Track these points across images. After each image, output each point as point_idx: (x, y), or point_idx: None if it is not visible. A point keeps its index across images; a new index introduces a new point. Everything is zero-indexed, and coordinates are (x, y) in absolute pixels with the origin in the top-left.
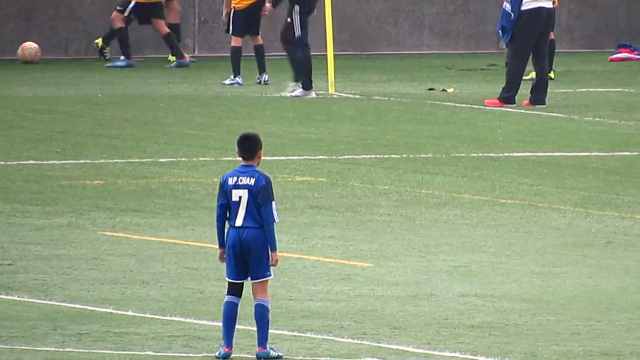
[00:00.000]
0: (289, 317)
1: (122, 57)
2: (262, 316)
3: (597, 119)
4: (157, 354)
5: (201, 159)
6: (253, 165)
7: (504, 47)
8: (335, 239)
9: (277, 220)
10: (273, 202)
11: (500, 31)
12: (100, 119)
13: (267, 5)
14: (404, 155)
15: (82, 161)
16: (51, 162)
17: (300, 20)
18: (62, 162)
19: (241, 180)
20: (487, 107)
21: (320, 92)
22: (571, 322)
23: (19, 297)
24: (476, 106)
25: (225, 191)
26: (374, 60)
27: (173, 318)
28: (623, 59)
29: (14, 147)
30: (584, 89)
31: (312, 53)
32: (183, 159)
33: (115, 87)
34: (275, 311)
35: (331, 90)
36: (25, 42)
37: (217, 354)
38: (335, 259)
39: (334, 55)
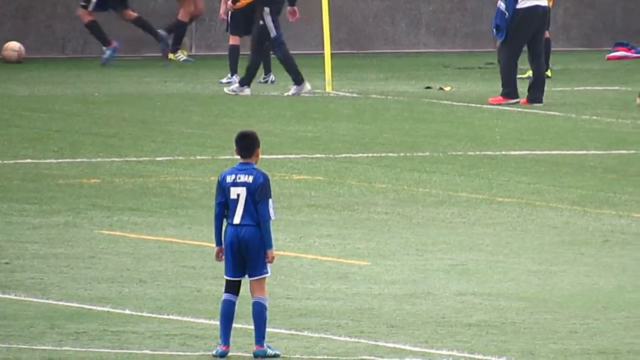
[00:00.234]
0: (286, 316)
1: (104, 49)
2: (259, 314)
3: (594, 117)
4: (154, 352)
5: (198, 157)
6: (251, 163)
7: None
8: (332, 238)
9: (273, 218)
10: (270, 200)
11: (494, 29)
12: (97, 118)
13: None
14: (401, 154)
15: (79, 160)
16: (48, 160)
17: (272, 21)
18: (59, 160)
19: (239, 178)
20: (485, 106)
21: (318, 90)
22: (568, 321)
23: (16, 295)
24: (473, 104)
25: (223, 189)
26: (371, 59)
27: (170, 317)
28: (620, 57)
29: (11, 146)
30: (581, 88)
31: (309, 52)
32: (180, 158)
33: (112, 85)
34: (272, 309)
35: (328, 88)
36: (8, 42)
37: (214, 352)
38: (332, 258)
39: (331, 53)
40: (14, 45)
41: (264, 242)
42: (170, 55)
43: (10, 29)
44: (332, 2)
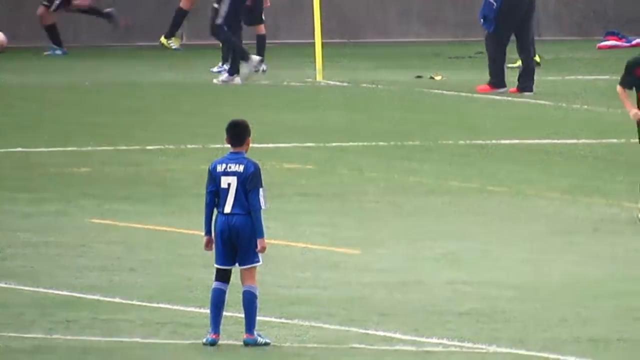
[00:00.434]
0: (276, 304)
1: (55, 47)
2: (250, 303)
3: (585, 106)
4: (144, 340)
5: (189, 146)
6: (242, 152)
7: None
8: (323, 226)
9: (264, 207)
10: (261, 189)
11: (481, 20)
12: (88, 107)
13: None
14: (392, 143)
15: (70, 149)
16: (39, 149)
17: (227, 10)
18: (50, 149)
19: (230, 167)
20: (475, 95)
21: (309, 79)
22: (559, 309)
23: (6, 284)
24: (464, 93)
25: (214, 178)
26: (362, 48)
27: (160, 305)
28: (611, 46)
29: (1, 135)
30: (572, 77)
31: (299, 41)
32: (171, 147)
33: (103, 75)
34: (263, 298)
35: (319, 77)
36: None
37: (204, 340)
38: (323, 246)
39: (322, 43)
40: None
41: (254, 231)
42: (163, 41)
43: (3, 19)
44: None
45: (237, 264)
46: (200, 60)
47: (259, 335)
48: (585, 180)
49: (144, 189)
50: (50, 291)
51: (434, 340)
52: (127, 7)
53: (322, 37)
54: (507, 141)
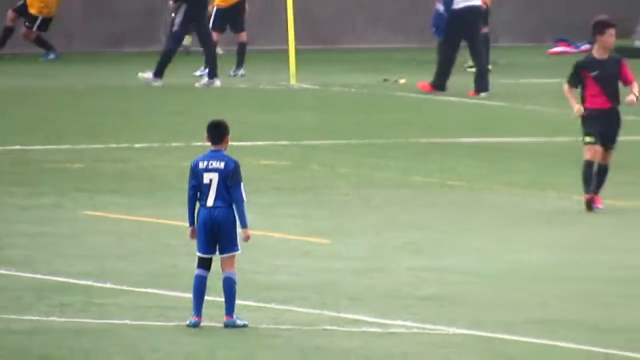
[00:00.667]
0: (254, 289)
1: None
2: (229, 288)
3: (538, 107)
4: (133, 323)
5: (173, 144)
6: (221, 150)
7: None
8: (297, 218)
9: (245, 200)
10: (242, 184)
11: (434, 29)
12: (80, 109)
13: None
14: (360, 141)
15: (64, 146)
16: (36, 147)
17: (182, 19)
18: (46, 147)
19: (211, 164)
20: (436, 97)
21: (283, 82)
22: (512, 293)
23: (6, 270)
24: (427, 96)
25: (196, 174)
26: (333, 54)
27: (148, 290)
28: (561, 52)
29: (0, 134)
30: (526, 80)
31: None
32: (156, 145)
33: (94, 78)
34: (241, 284)
35: (293, 81)
36: None
37: (188, 322)
38: (296, 236)
39: (296, 49)
40: None
41: (235, 222)
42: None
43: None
44: (297, 1)
45: (217, 253)
46: (183, 65)
47: (238, 318)
48: (538, 175)
49: (132, 183)
50: (46, 277)
51: (399, 322)
52: (119, 16)
53: (296, 43)
54: (466, 139)
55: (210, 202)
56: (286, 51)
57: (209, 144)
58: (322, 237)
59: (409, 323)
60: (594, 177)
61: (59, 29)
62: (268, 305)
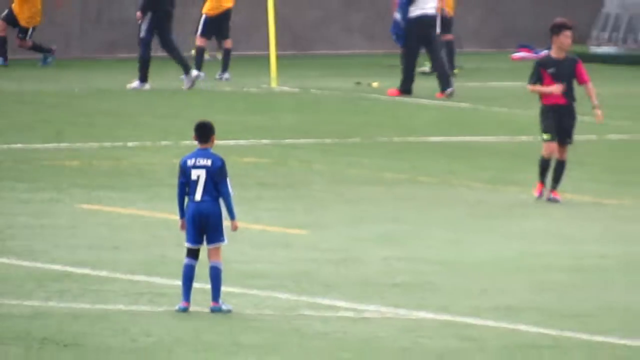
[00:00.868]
0: (238, 277)
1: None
2: (215, 276)
3: (502, 108)
4: (126, 307)
5: (163, 143)
6: (208, 149)
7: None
8: (277, 211)
9: (232, 194)
10: (228, 179)
11: (394, 37)
12: (77, 110)
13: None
14: (336, 140)
15: (62, 145)
16: (35, 145)
17: (148, 25)
18: (45, 145)
19: (199, 162)
20: (406, 99)
21: (264, 85)
22: (479, 281)
23: (8, 260)
24: (397, 98)
25: (184, 171)
26: (311, 59)
27: (140, 278)
28: (523, 57)
29: (3, 133)
30: (490, 84)
31: (257, 53)
32: (148, 143)
33: (90, 82)
34: (226, 272)
35: (274, 84)
36: None
37: (177, 308)
38: (277, 228)
39: (277, 55)
40: None
41: (221, 215)
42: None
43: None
44: (278, 11)
45: (205, 243)
46: (171, 70)
47: (223, 304)
48: (502, 172)
49: (126, 179)
50: (45, 266)
51: (372, 307)
52: (112, 25)
53: (277, 50)
54: (435, 138)
55: (198, 196)
56: (267, 57)
57: (196, 142)
58: (300, 229)
59: (381, 308)
60: (553, 172)
61: (58, 35)
62: (251, 292)
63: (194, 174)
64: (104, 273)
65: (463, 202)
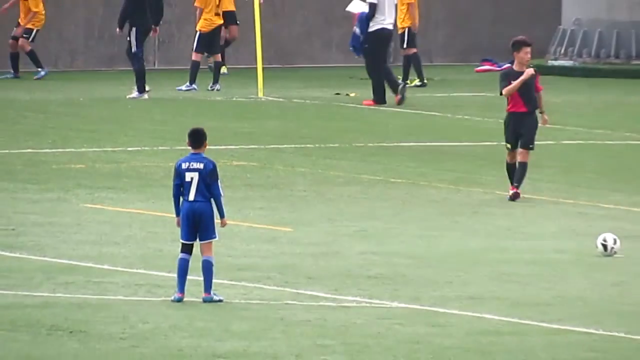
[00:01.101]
0: (228, 270)
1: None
2: (207, 269)
3: (467, 116)
4: (126, 298)
5: (160, 147)
6: (201, 153)
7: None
8: (264, 210)
9: (222, 195)
10: (219, 181)
11: (351, 48)
12: (82, 117)
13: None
14: (317, 145)
15: (68, 150)
16: (44, 150)
17: (136, 39)
18: (53, 150)
19: (192, 165)
20: (381, 108)
21: (252, 96)
22: (446, 274)
23: (20, 254)
24: (373, 107)
25: (179, 173)
26: (294, 72)
27: (139, 271)
28: (486, 70)
29: (15, 139)
30: (456, 94)
31: (245, 66)
32: (146, 148)
33: (94, 92)
34: (217, 265)
35: (260, 94)
36: None
37: (172, 298)
38: (263, 225)
39: (263, 67)
40: None
41: (213, 214)
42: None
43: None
44: (263, 27)
45: (198, 239)
46: (168, 81)
47: (214, 294)
48: (467, 174)
49: (126, 181)
50: (53, 260)
51: (350, 297)
52: (114, 40)
53: (263, 63)
54: (406, 143)
55: (191, 197)
56: (254, 69)
57: (190, 147)
58: (285, 226)
59: (358, 298)
60: (515, 173)
61: (64, 49)
62: (239, 284)
63: (188, 176)
64: (106, 266)
65: (432, 202)
